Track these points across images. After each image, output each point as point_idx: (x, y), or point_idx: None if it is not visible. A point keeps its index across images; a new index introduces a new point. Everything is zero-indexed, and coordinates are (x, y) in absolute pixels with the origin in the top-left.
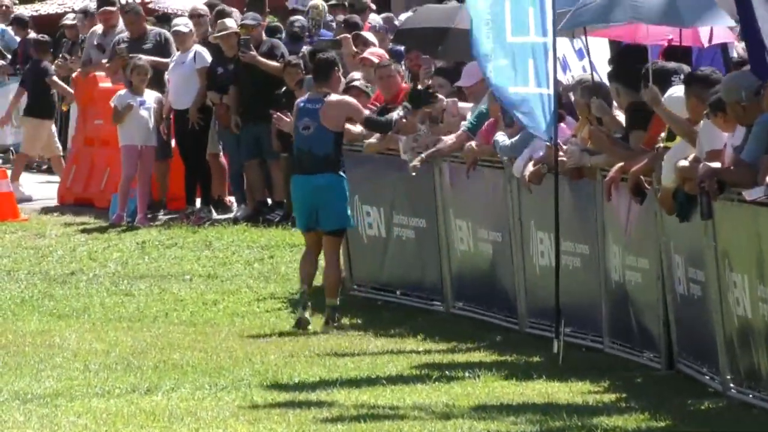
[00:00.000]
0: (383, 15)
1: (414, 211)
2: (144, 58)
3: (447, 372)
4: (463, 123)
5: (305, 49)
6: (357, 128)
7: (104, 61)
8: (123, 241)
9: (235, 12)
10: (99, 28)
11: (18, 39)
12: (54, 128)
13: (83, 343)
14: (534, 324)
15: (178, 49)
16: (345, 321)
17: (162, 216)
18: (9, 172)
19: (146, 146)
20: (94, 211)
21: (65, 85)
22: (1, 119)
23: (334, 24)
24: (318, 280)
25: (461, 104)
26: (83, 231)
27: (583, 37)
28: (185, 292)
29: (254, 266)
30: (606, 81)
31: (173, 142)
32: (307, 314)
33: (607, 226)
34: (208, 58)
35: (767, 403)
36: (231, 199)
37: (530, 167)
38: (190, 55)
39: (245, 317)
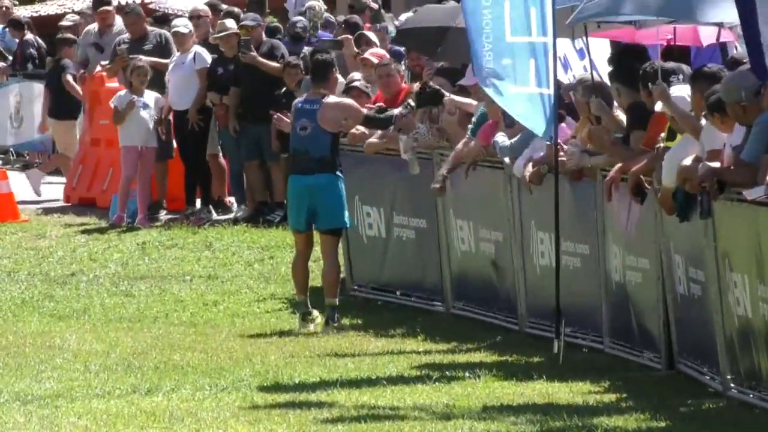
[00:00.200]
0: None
1: (414, 212)
2: (144, 59)
3: (447, 372)
4: (469, 126)
5: (306, 50)
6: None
7: (104, 63)
8: (123, 242)
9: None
10: (94, 27)
11: (16, 41)
12: (78, 128)
13: (83, 344)
14: (534, 324)
15: (177, 50)
16: (345, 321)
17: (162, 217)
18: (9, 173)
19: (146, 147)
20: (98, 212)
21: (76, 86)
22: (41, 126)
23: (335, 22)
24: (318, 281)
25: (459, 98)
26: (83, 232)
27: (584, 37)
28: (185, 292)
29: (254, 267)
30: (607, 81)
31: (174, 143)
32: (311, 327)
33: (607, 226)
34: (208, 58)
35: (767, 403)
36: (231, 200)
37: (530, 168)
38: (190, 55)
39: (245, 318)
